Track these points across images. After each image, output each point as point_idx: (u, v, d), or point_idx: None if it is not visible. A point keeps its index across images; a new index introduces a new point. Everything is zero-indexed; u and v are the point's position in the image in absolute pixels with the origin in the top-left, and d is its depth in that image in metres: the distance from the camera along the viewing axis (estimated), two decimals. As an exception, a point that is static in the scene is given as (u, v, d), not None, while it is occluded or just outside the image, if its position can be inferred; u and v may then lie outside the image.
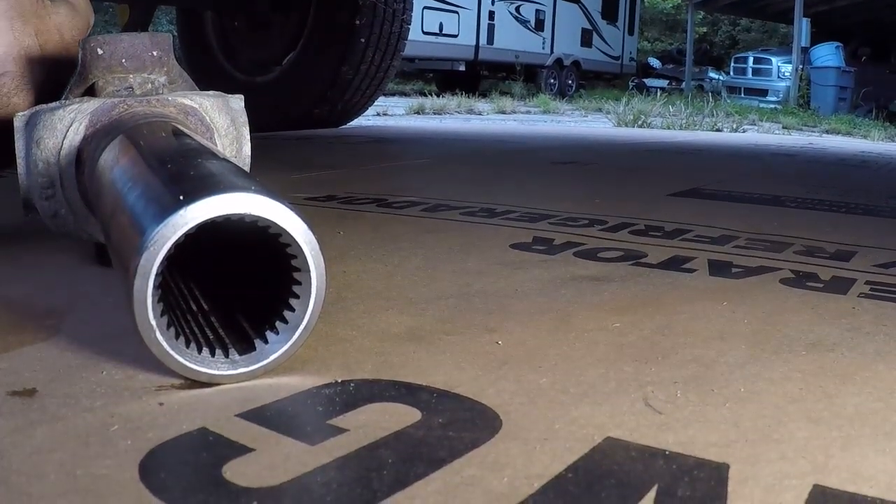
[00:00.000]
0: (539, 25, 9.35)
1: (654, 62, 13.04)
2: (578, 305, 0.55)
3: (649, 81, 11.06)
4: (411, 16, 2.35)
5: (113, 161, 0.48)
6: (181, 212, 0.36)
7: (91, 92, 0.59)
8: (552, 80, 9.44)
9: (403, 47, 2.35)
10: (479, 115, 5.16)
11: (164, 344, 0.38)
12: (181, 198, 0.37)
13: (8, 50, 0.64)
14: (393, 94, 6.84)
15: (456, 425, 0.36)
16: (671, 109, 4.53)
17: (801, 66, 8.27)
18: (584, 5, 9.94)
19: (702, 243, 0.78)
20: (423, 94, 6.83)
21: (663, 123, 3.99)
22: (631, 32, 11.01)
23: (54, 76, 0.63)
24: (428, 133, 2.51)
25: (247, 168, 0.59)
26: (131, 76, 0.58)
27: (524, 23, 9.15)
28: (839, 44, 8.44)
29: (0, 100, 0.64)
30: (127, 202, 0.41)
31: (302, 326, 0.40)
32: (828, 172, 1.70)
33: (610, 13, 10.40)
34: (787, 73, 8.69)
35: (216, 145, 0.58)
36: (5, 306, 0.52)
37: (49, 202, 0.56)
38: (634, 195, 1.16)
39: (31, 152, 0.55)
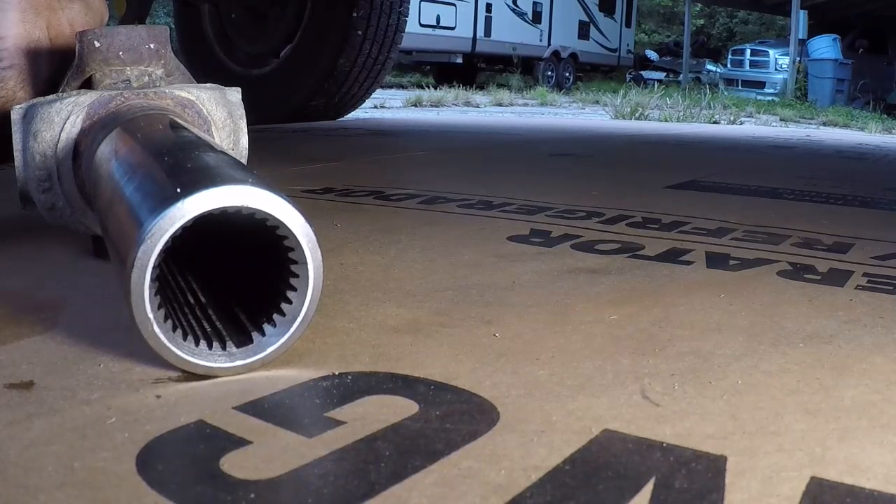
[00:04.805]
0: (536, 18, 9.34)
1: (652, 54, 13.03)
2: (576, 298, 0.56)
3: (646, 74, 11.06)
4: (408, 8, 2.35)
5: (110, 154, 0.48)
6: (178, 204, 0.36)
7: (88, 85, 0.59)
8: (549, 73, 9.44)
9: (400, 40, 2.35)
10: (477, 107, 5.16)
11: (162, 337, 0.38)
12: (178, 190, 0.37)
13: (17, 42, 0.62)
14: (390, 87, 6.83)
15: (453, 417, 0.36)
16: (668, 102, 4.53)
17: (798, 59, 8.27)
18: (581, -3, 9.94)
19: (699, 235, 0.78)
20: (420, 86, 6.82)
21: (661, 116, 3.98)
22: (628, 25, 11.00)
23: (61, 72, 0.62)
24: (425, 125, 2.51)
25: (244, 161, 0.59)
26: (128, 69, 0.58)
27: (521, 15, 9.15)
28: (836, 36, 8.43)
29: (6, 93, 0.63)
30: (124, 195, 0.41)
31: (299, 319, 0.40)
32: (825, 164, 1.70)
33: (607, 5, 10.39)
34: (784, 66, 8.68)
35: (213, 138, 0.57)
36: (3, 299, 0.52)
37: (46, 195, 0.56)
38: (632, 187, 1.16)
39: (29, 145, 0.55)
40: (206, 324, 0.42)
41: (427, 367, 0.42)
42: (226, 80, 0.69)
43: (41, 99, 0.55)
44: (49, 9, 0.64)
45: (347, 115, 2.52)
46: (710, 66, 11.70)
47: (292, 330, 0.40)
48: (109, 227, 0.43)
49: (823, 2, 9.05)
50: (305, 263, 0.39)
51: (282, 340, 0.40)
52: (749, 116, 4.84)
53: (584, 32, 10.05)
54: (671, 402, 0.38)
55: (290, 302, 0.40)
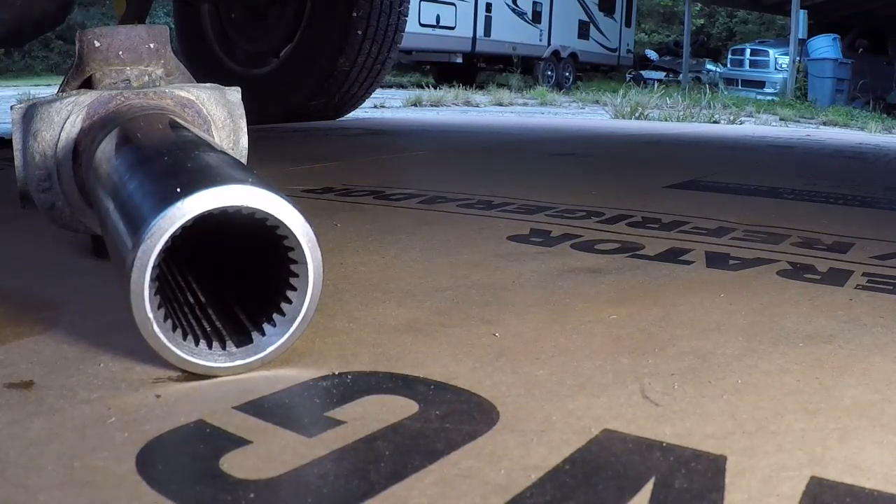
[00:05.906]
0: (536, 17, 9.33)
1: (652, 54, 13.02)
2: (575, 297, 0.56)
3: (646, 73, 11.05)
4: (408, 8, 2.35)
5: (110, 153, 0.48)
6: (178, 204, 0.36)
7: (88, 84, 0.59)
8: (549, 73, 9.43)
9: (400, 39, 2.35)
10: (477, 107, 5.16)
11: (162, 336, 0.38)
12: (178, 190, 0.37)
13: None
14: (390, 86, 6.83)
15: (453, 417, 0.36)
16: (668, 101, 4.53)
17: (798, 58, 8.26)
18: (581, -3, 9.94)
19: (699, 235, 0.78)
20: (420, 86, 6.82)
21: (660, 115, 3.98)
22: (628, 24, 10.99)
23: None
24: (425, 125, 2.51)
25: (244, 160, 0.59)
26: (128, 68, 0.58)
27: (521, 15, 9.14)
28: (836, 36, 8.41)
29: None
30: (124, 194, 0.41)
31: (299, 319, 0.40)
32: (825, 164, 1.70)
33: (607, 5, 10.37)
34: (784, 65, 8.67)
35: (213, 137, 0.57)
36: (3, 298, 0.52)
37: (46, 195, 0.56)
38: (632, 187, 1.16)
39: (28, 145, 0.55)
40: (205, 323, 0.42)
41: (427, 367, 0.42)
42: (226, 79, 0.69)
43: (41, 99, 0.55)
44: None
45: (347, 115, 2.52)
46: (709, 66, 11.69)
47: (292, 330, 0.40)
48: (109, 227, 0.43)
49: (823, 2, 9.04)
50: (305, 263, 0.39)
51: (282, 340, 0.40)
52: (749, 116, 4.83)
53: (583, 32, 10.04)
54: (671, 402, 0.38)
55: (289, 302, 0.40)
